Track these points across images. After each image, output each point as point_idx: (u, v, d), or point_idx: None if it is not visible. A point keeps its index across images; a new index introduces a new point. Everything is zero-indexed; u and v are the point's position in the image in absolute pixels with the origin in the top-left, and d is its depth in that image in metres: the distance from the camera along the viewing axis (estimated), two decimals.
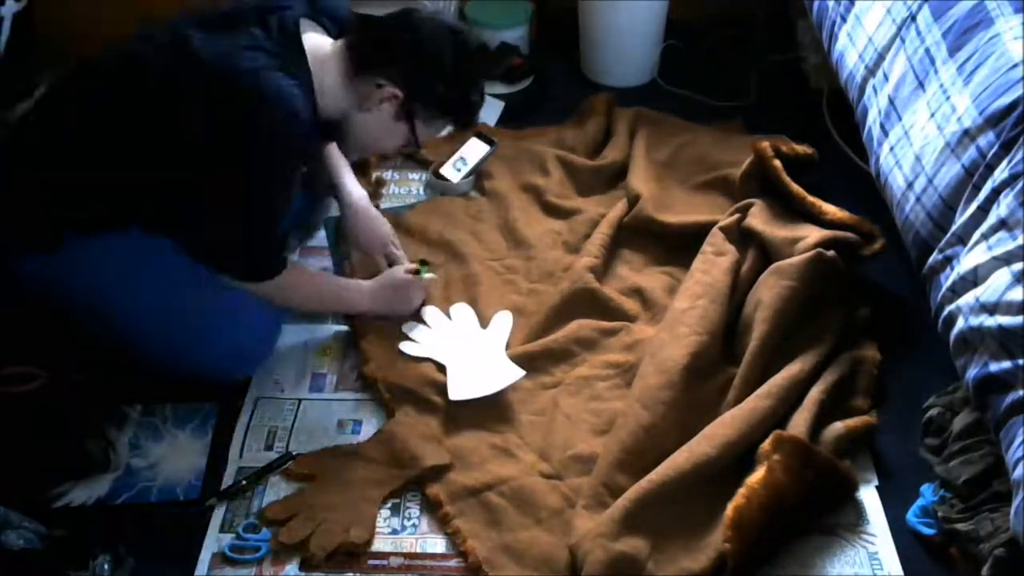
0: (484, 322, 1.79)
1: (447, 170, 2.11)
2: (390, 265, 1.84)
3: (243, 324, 1.65)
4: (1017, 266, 1.26)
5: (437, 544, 1.47)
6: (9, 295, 1.60)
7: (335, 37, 1.60)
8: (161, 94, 1.48)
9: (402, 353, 1.73)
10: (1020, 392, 1.21)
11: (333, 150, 1.84)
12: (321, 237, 1.98)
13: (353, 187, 1.85)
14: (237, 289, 1.62)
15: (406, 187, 2.14)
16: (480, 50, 1.63)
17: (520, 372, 1.66)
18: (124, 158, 1.51)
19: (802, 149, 1.93)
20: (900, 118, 1.59)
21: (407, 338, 1.76)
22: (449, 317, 1.81)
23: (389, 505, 1.52)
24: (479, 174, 2.14)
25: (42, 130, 1.56)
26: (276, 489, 1.54)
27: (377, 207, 1.94)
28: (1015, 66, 1.39)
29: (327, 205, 1.96)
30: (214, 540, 1.47)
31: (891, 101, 1.63)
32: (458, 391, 1.63)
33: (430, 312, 1.81)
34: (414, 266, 1.83)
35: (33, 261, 1.56)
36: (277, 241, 1.64)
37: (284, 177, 1.55)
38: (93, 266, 1.55)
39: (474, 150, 2.13)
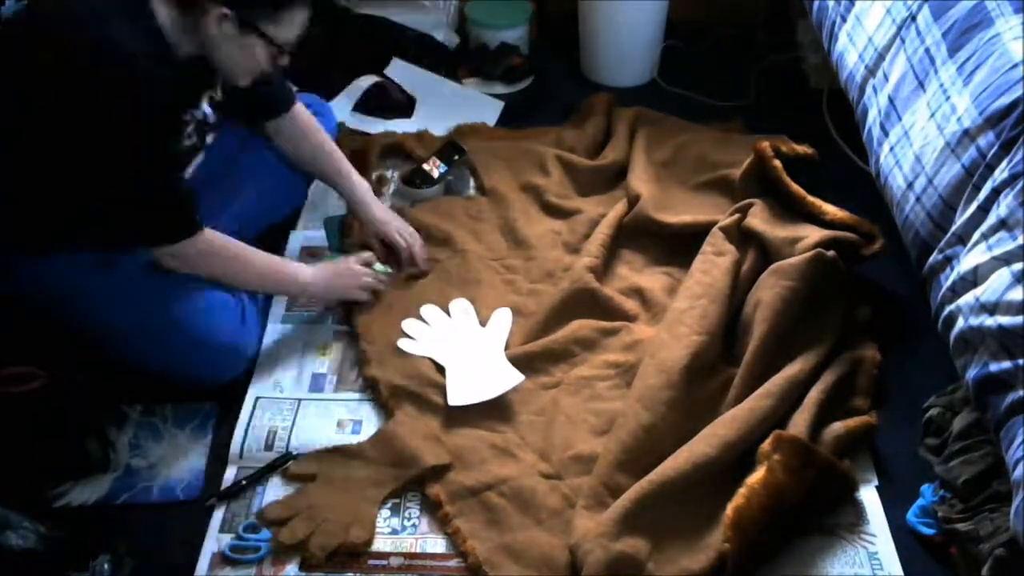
0: (483, 321, 1.80)
1: (416, 177, 2.10)
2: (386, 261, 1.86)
3: (214, 328, 1.65)
4: (1017, 266, 1.25)
5: (437, 544, 1.47)
6: (9, 295, 1.60)
7: None
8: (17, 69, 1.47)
9: (400, 351, 1.73)
10: (1020, 392, 1.20)
11: (330, 152, 1.86)
12: (321, 237, 1.98)
13: (358, 183, 1.88)
14: (203, 293, 1.64)
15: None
16: None
17: (519, 377, 1.66)
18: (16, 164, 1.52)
19: (802, 149, 1.93)
20: (900, 118, 1.59)
21: (406, 336, 1.76)
22: (448, 314, 1.81)
23: (389, 505, 1.52)
24: (477, 174, 2.14)
25: None
26: (276, 489, 1.54)
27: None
28: (1015, 66, 1.39)
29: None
30: (214, 540, 1.47)
31: (891, 101, 1.63)
32: (457, 396, 1.63)
33: (429, 310, 1.81)
34: (368, 256, 1.84)
35: (22, 270, 1.57)
36: (177, 197, 1.59)
37: (149, 127, 1.51)
38: (65, 275, 1.57)
39: (443, 158, 2.12)
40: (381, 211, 1.89)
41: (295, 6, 1.56)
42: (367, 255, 1.85)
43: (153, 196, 1.56)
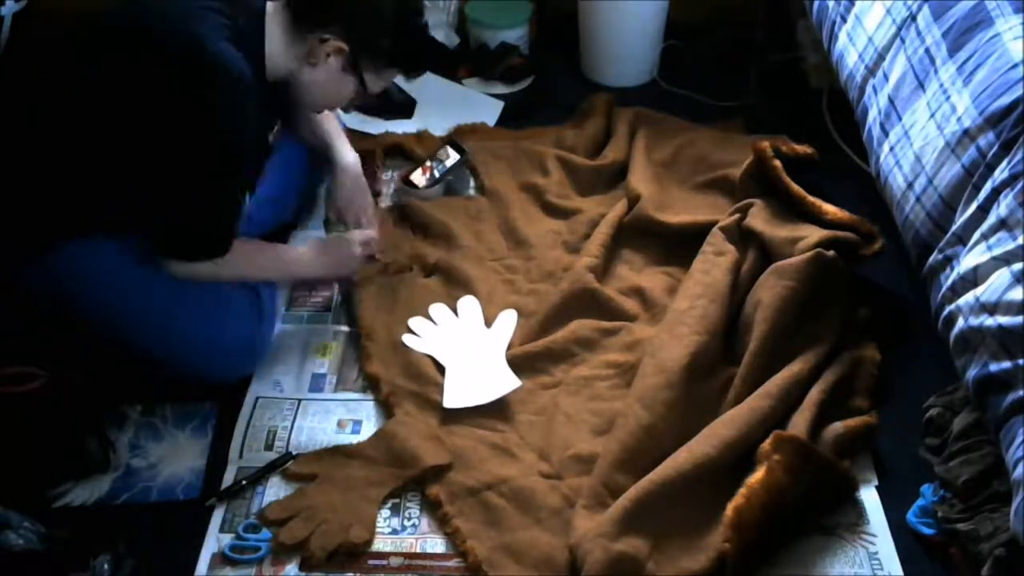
0: (489, 320, 1.80)
1: (416, 177, 2.10)
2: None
3: (232, 325, 1.65)
4: (1017, 266, 1.25)
5: (437, 544, 1.47)
6: (9, 296, 1.60)
7: None
8: (118, 62, 1.48)
9: (403, 345, 1.73)
10: (1020, 392, 1.20)
11: (326, 117, 1.86)
12: (320, 235, 1.98)
13: (346, 151, 1.88)
14: (223, 290, 1.63)
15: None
16: (419, 6, 1.65)
17: (517, 382, 1.66)
18: (78, 147, 1.50)
19: (802, 149, 1.93)
20: (900, 118, 1.59)
21: (411, 332, 1.76)
22: (455, 312, 1.81)
23: (389, 505, 1.52)
24: (477, 174, 2.14)
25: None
26: (276, 489, 1.54)
27: (378, 205, 1.97)
28: (1015, 66, 1.39)
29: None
30: (214, 540, 1.47)
31: (891, 101, 1.63)
32: (453, 399, 1.64)
33: (437, 309, 1.81)
34: (370, 233, 1.84)
35: (30, 264, 1.56)
36: (236, 215, 1.61)
37: (237, 153, 1.54)
38: (83, 270, 1.55)
39: (445, 158, 2.12)
40: (346, 197, 1.87)
41: (397, 68, 1.66)
42: (370, 232, 1.84)
43: (219, 212, 1.57)
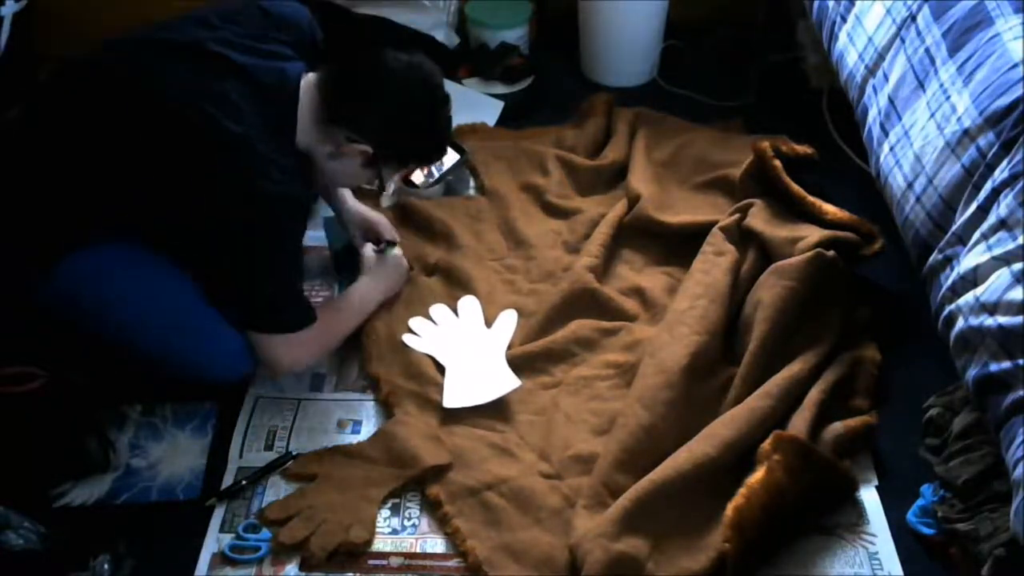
0: (490, 320, 1.80)
1: (416, 176, 2.10)
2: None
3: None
4: (1017, 266, 1.25)
5: (437, 544, 1.47)
6: (15, 304, 1.59)
7: (304, 59, 1.61)
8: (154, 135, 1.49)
9: (404, 345, 1.73)
10: (1020, 392, 1.21)
11: None
12: (321, 237, 1.98)
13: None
14: None
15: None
16: (446, 101, 1.65)
17: (516, 382, 1.66)
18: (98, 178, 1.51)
19: (802, 149, 1.93)
20: (900, 118, 1.59)
21: (411, 332, 1.77)
22: (455, 312, 1.81)
23: (389, 505, 1.52)
24: (477, 174, 2.14)
25: (27, 147, 1.55)
26: (276, 489, 1.54)
27: (379, 204, 2.00)
28: (1015, 66, 1.39)
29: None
30: (214, 540, 1.47)
31: (891, 101, 1.63)
32: (452, 399, 1.64)
33: (437, 309, 1.81)
34: (380, 247, 1.86)
35: (40, 276, 1.55)
36: (300, 288, 1.67)
37: (293, 236, 1.60)
38: (87, 277, 1.54)
39: (445, 158, 2.12)
40: (359, 208, 1.91)
41: (414, 164, 1.76)
42: (375, 247, 1.86)
43: (289, 293, 1.61)
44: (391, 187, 2.12)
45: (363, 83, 1.56)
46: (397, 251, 1.87)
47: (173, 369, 1.62)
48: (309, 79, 1.58)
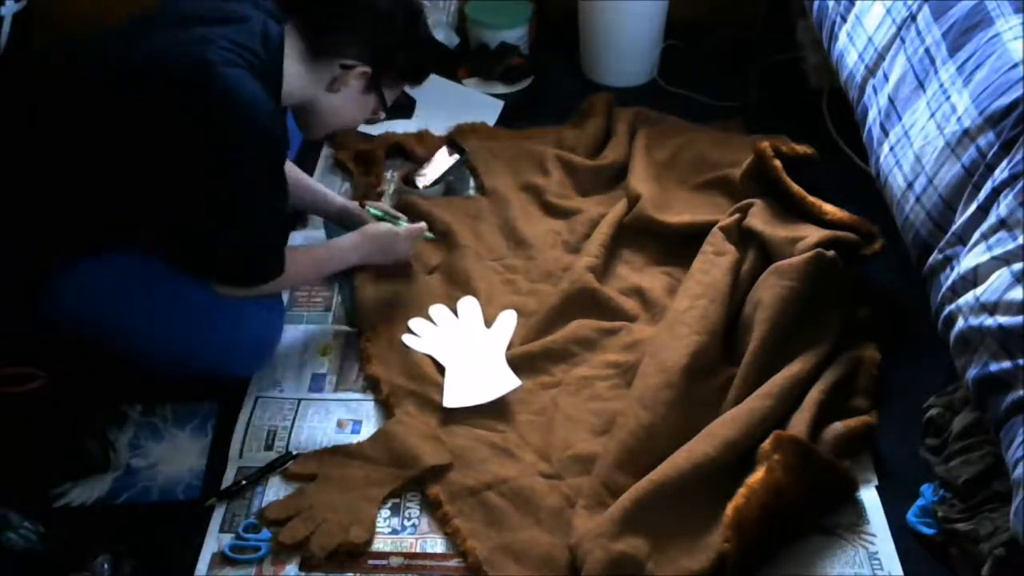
0: (489, 320, 1.80)
1: (416, 177, 2.10)
2: None
3: (246, 318, 1.64)
4: (1017, 266, 1.25)
5: (437, 544, 1.47)
6: (23, 310, 1.58)
7: (276, 16, 1.59)
8: (130, 96, 1.47)
9: (403, 345, 1.73)
10: (1020, 392, 1.20)
11: (305, 180, 1.88)
12: (320, 237, 1.97)
13: (332, 195, 1.91)
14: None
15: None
16: (421, 8, 1.67)
17: (516, 382, 1.66)
18: (98, 170, 1.50)
19: (802, 149, 1.93)
20: (900, 118, 1.59)
21: (411, 332, 1.77)
22: (455, 312, 1.81)
23: (389, 505, 1.52)
24: (477, 174, 2.14)
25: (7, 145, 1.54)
26: (276, 489, 1.54)
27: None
28: (1015, 66, 1.39)
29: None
30: (214, 540, 1.47)
31: (891, 101, 1.63)
32: (452, 399, 1.64)
33: (437, 310, 1.81)
34: (422, 225, 1.86)
35: (48, 284, 1.54)
36: (283, 240, 1.64)
37: (272, 175, 1.56)
38: (99, 285, 1.54)
39: (444, 158, 2.12)
40: (349, 203, 1.91)
41: (410, 79, 1.70)
42: (421, 224, 1.87)
43: (268, 239, 1.59)
44: (391, 187, 2.12)
45: (341, 7, 1.56)
46: (401, 229, 1.84)
47: (178, 363, 1.61)
48: (286, 29, 1.57)
